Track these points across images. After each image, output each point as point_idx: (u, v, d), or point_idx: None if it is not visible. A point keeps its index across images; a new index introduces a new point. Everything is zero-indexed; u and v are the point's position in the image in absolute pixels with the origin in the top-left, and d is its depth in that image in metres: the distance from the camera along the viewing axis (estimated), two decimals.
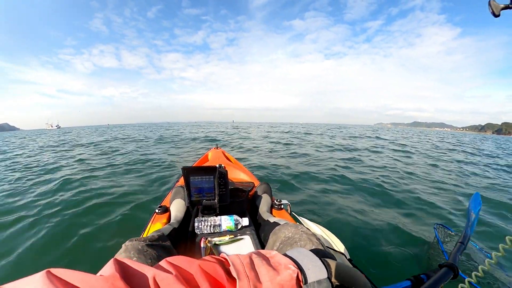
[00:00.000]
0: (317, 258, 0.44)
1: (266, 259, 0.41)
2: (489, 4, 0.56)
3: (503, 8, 0.55)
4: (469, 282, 0.63)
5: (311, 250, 0.51)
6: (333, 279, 0.43)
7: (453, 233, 1.99)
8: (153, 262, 0.65)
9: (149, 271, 0.32)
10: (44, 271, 0.27)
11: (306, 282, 0.39)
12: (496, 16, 0.55)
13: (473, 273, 0.65)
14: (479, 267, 0.64)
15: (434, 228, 1.91)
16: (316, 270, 0.41)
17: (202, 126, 35.03)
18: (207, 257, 0.40)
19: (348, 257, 0.97)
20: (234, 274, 0.36)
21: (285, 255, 0.45)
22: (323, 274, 0.42)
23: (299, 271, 0.40)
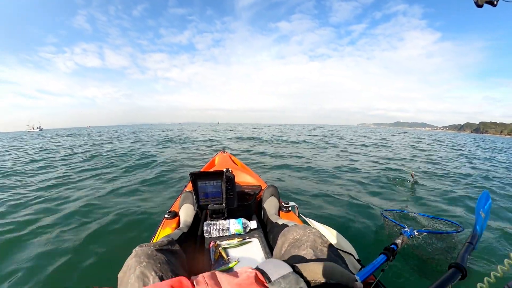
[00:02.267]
0: (280, 262, 0.47)
1: (229, 273, 0.45)
2: None
3: (487, 1, 0.55)
4: (488, 281, 0.61)
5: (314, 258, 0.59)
6: (306, 276, 0.45)
7: (397, 212, 2.42)
8: (162, 266, 0.66)
9: None
10: None
11: (270, 280, 0.41)
12: (479, 6, 0.56)
13: (492, 273, 0.63)
14: (498, 267, 0.63)
15: (381, 214, 2.22)
16: (278, 269, 0.44)
17: (184, 130, 27.46)
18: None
19: (357, 257, 0.97)
20: (194, 282, 0.40)
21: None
22: (287, 269, 0.44)
23: (257, 271, 0.43)
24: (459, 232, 1.78)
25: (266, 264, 0.47)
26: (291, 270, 0.44)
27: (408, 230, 1.44)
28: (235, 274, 0.43)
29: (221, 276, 0.42)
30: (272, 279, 0.42)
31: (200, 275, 0.42)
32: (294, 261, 0.73)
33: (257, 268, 0.45)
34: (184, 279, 0.40)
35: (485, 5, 0.56)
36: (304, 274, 0.46)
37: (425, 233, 1.67)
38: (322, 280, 0.46)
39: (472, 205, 2.86)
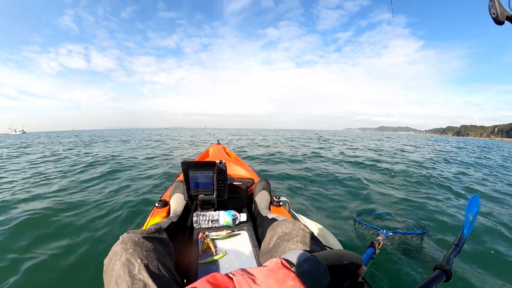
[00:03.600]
0: (300, 250, 0.51)
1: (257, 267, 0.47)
2: (493, 6, 0.44)
3: (508, 18, 0.44)
4: None
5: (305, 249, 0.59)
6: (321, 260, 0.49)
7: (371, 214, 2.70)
8: (149, 254, 0.66)
9: None
10: None
11: (293, 265, 0.45)
12: (500, 23, 0.44)
13: None
14: None
15: (355, 219, 2.40)
16: (298, 255, 0.48)
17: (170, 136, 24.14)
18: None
19: None
20: (230, 275, 0.42)
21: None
22: (306, 254, 0.48)
23: (282, 259, 0.46)
24: (424, 233, 2.11)
25: (288, 253, 0.51)
26: (310, 255, 0.48)
27: (384, 231, 1.79)
28: (263, 266, 0.46)
29: (251, 269, 0.45)
30: (295, 263, 0.46)
31: (232, 271, 0.45)
32: (280, 255, 0.73)
33: (281, 258, 0.49)
34: (218, 274, 0.43)
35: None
36: (320, 260, 0.49)
37: (398, 234, 1.95)
38: (336, 262, 0.50)
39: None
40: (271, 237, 0.83)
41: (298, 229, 0.78)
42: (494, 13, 0.44)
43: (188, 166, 1.17)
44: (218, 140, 3.16)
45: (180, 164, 1.17)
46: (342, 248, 1.03)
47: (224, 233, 1.07)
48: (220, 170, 1.19)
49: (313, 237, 0.77)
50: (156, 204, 1.36)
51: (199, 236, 1.03)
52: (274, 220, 1.00)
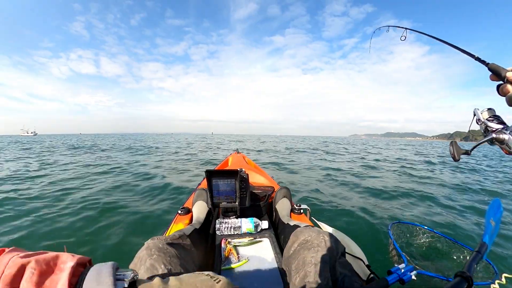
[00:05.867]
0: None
1: None
2: (452, 145, 0.59)
3: (463, 153, 0.58)
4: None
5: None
6: None
7: (408, 226, 1.87)
8: (172, 260, 0.68)
9: None
10: None
11: None
12: (456, 160, 0.58)
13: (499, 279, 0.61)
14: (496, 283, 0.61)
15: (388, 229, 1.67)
16: None
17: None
18: None
19: (367, 263, 0.96)
20: None
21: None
22: None
23: None
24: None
25: None
26: None
27: (403, 270, 1.14)
28: None
29: None
30: None
31: None
32: (300, 262, 0.73)
33: None
34: None
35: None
36: None
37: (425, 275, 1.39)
38: None
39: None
40: (292, 243, 0.83)
41: (321, 239, 0.77)
42: (452, 154, 0.59)
43: (211, 175, 1.21)
44: (237, 149, 3.22)
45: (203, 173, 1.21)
46: (365, 258, 1.00)
47: (246, 240, 1.08)
48: (242, 178, 1.22)
49: (337, 248, 0.76)
50: (179, 212, 1.40)
51: (222, 242, 1.05)
52: (296, 226, 0.99)
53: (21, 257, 0.30)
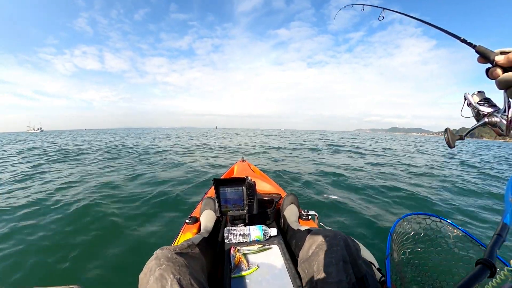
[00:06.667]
0: None
1: None
2: (446, 132, 0.58)
3: (458, 139, 0.58)
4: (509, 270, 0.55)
5: None
6: None
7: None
8: (181, 269, 0.68)
9: None
10: None
11: None
12: (451, 147, 0.58)
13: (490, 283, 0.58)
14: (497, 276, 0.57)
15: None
16: None
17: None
18: None
19: (377, 266, 0.95)
20: None
21: None
22: None
23: None
24: None
25: None
26: None
27: None
28: None
29: None
30: None
31: None
32: (320, 262, 0.73)
33: None
34: None
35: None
36: None
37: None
38: None
39: None
40: (310, 245, 0.83)
41: (339, 239, 0.77)
42: (447, 141, 0.58)
43: (218, 183, 1.22)
44: (242, 157, 3.23)
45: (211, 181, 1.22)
46: (375, 262, 0.99)
47: (255, 247, 1.08)
48: (249, 186, 1.23)
49: (355, 246, 0.76)
50: (187, 221, 1.41)
51: (231, 250, 1.05)
52: (308, 231, 0.99)
53: None
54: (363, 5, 1.18)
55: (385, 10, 1.00)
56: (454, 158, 10.21)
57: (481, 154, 13.13)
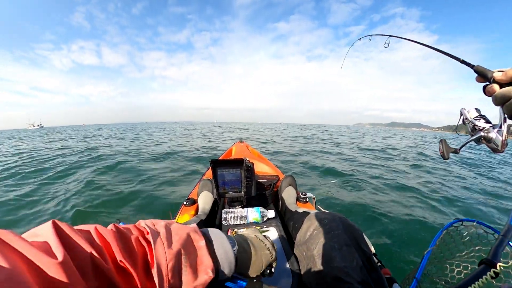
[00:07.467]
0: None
1: (192, 252, 0.42)
2: (441, 144, 0.60)
3: (452, 152, 0.59)
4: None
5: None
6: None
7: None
8: None
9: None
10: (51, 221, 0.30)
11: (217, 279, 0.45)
12: (446, 159, 0.59)
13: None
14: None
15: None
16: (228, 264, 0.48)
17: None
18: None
19: (373, 251, 0.95)
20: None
21: (212, 252, 0.46)
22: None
23: (213, 274, 0.42)
24: None
25: (223, 257, 0.49)
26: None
27: None
28: (196, 266, 0.43)
29: (184, 263, 0.41)
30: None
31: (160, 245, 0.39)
32: (320, 246, 0.72)
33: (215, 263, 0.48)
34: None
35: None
36: None
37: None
38: None
39: None
40: (307, 227, 0.82)
41: (338, 221, 0.75)
42: (441, 153, 0.60)
43: (216, 165, 1.19)
44: (240, 139, 3.19)
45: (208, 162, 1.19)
46: (373, 247, 0.99)
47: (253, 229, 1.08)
48: (247, 168, 1.20)
49: (356, 231, 0.74)
50: (184, 203, 1.39)
51: (228, 233, 1.05)
52: (306, 213, 0.98)
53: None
54: (370, 35, 1.17)
55: (390, 37, 0.98)
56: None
57: None
